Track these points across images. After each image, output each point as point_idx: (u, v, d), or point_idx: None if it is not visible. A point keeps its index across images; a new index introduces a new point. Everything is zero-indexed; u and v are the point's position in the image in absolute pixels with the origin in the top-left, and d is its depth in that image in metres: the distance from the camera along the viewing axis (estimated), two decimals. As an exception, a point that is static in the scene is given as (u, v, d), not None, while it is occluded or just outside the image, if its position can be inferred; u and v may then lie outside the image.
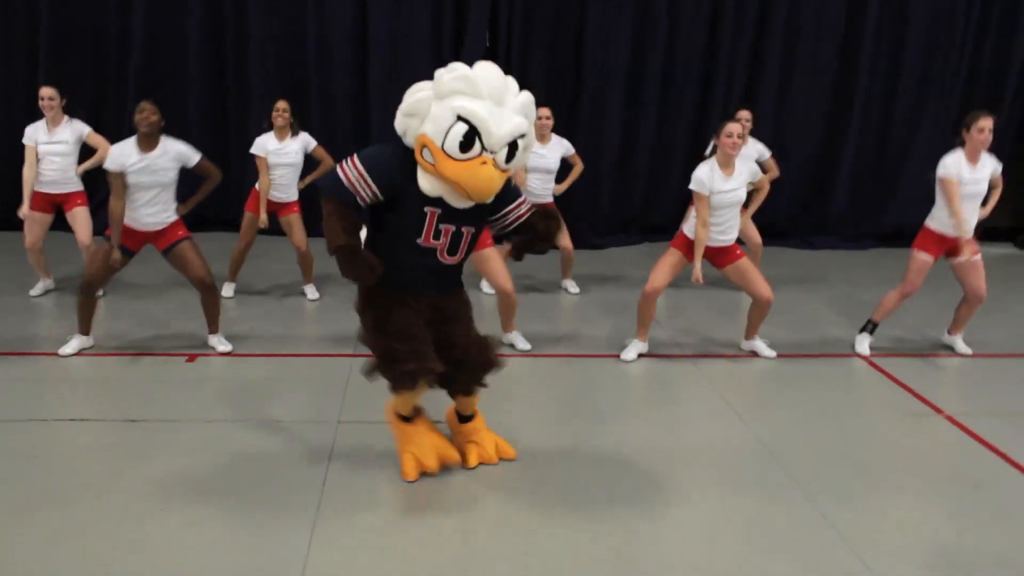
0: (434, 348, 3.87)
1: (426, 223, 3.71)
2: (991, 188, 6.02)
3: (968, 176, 5.75)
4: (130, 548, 3.49)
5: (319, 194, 3.72)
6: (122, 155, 5.32)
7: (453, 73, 3.56)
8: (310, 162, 6.99)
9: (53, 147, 6.45)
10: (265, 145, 6.67)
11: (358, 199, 3.64)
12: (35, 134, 6.46)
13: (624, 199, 9.98)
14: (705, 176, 5.56)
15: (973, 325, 6.45)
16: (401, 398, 4.01)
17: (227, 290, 7.04)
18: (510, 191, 3.96)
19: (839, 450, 4.67)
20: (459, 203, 3.69)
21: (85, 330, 5.69)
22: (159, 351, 5.75)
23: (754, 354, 6.12)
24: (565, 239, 7.18)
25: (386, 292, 3.81)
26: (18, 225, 6.72)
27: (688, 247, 5.76)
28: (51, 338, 5.86)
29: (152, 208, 5.46)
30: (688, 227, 5.79)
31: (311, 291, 7.20)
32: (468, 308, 4.14)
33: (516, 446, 4.45)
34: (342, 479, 4.12)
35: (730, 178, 5.62)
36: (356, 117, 9.47)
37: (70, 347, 5.63)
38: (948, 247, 5.97)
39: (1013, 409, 5.38)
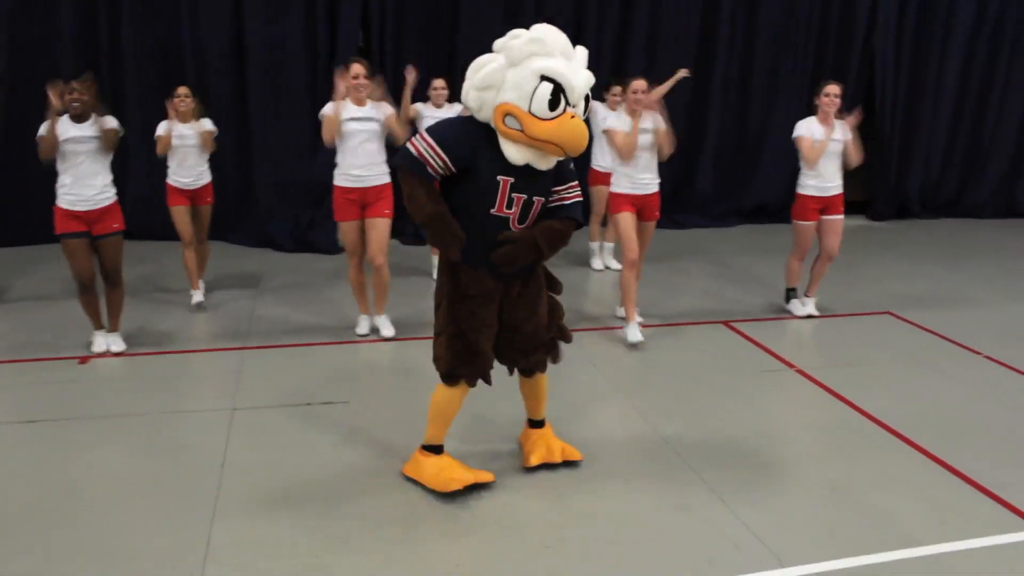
0: (500, 330, 3.96)
1: (499, 192, 3.71)
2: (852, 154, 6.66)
3: (821, 135, 6.47)
4: (34, 541, 3.65)
5: (396, 173, 3.87)
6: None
7: (521, 38, 3.58)
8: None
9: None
10: (170, 129, 6.64)
11: (428, 169, 3.66)
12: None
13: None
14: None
15: (826, 288, 7.06)
16: (447, 392, 4.01)
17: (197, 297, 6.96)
18: (568, 166, 3.97)
19: (704, 405, 5.14)
20: (545, 164, 3.71)
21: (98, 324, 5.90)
22: (50, 356, 5.81)
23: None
24: None
25: (466, 271, 3.81)
26: None
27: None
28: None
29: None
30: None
31: (197, 295, 6.97)
32: (541, 294, 4.07)
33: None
34: (240, 461, 4.33)
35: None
36: (236, 123, 9.53)
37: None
38: (822, 206, 6.67)
39: (852, 361, 6.00)
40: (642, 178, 6.18)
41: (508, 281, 3.90)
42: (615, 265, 8.32)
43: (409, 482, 4.12)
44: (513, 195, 3.73)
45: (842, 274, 7.31)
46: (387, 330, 6.23)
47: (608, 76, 8.06)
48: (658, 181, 6.31)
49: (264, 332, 6.32)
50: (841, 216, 6.76)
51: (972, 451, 4.59)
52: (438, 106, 7.58)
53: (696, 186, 10.95)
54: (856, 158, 6.65)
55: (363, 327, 6.31)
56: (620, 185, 6.22)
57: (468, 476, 4.03)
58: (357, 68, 5.86)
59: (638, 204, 6.22)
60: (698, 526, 3.80)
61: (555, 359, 4.27)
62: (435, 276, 7.93)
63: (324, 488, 4.07)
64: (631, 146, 6.02)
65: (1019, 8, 11.50)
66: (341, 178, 5.96)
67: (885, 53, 11.01)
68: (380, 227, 6.02)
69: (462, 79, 3.77)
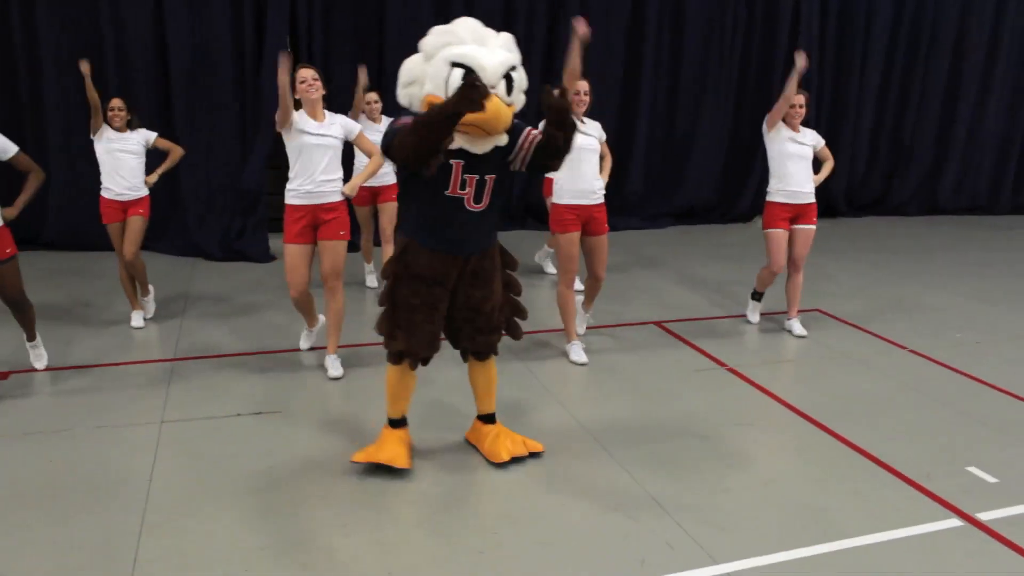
0: (457, 311, 4.15)
1: (452, 175, 3.88)
2: (823, 160, 6.64)
3: (788, 135, 6.39)
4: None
5: (384, 154, 3.87)
6: None
7: (433, 33, 3.80)
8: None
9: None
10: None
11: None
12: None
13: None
14: None
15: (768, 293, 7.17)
16: (395, 371, 4.23)
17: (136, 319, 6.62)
18: (516, 127, 4.01)
19: (637, 406, 5.18)
20: (480, 147, 3.85)
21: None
22: (-32, 373, 5.63)
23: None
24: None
25: (421, 251, 3.99)
26: None
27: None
28: None
29: None
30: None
31: (137, 318, 6.66)
32: (496, 271, 4.23)
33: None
34: (168, 472, 4.23)
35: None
36: (160, 126, 9.34)
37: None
38: (793, 214, 6.51)
39: (783, 358, 6.10)
40: (588, 188, 5.82)
41: (465, 259, 4.07)
42: (551, 270, 8.33)
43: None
44: (465, 176, 3.90)
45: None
46: (335, 370, 5.60)
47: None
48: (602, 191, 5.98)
49: (194, 344, 6.20)
50: (812, 226, 6.56)
51: (898, 443, 4.69)
52: (374, 120, 7.45)
53: (627, 188, 11.04)
54: (826, 168, 6.64)
55: (306, 342, 6.10)
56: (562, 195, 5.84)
57: (391, 456, 4.21)
58: (306, 72, 5.34)
59: (583, 216, 5.86)
60: (630, 526, 3.82)
61: (515, 335, 4.45)
62: (369, 283, 7.90)
63: (255, 498, 4.00)
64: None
65: (935, 9, 11.85)
66: (292, 196, 5.42)
67: (809, 55, 11.21)
68: (336, 249, 5.52)
69: (387, 73, 3.86)
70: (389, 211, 7.42)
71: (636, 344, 6.38)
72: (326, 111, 5.46)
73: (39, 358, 5.71)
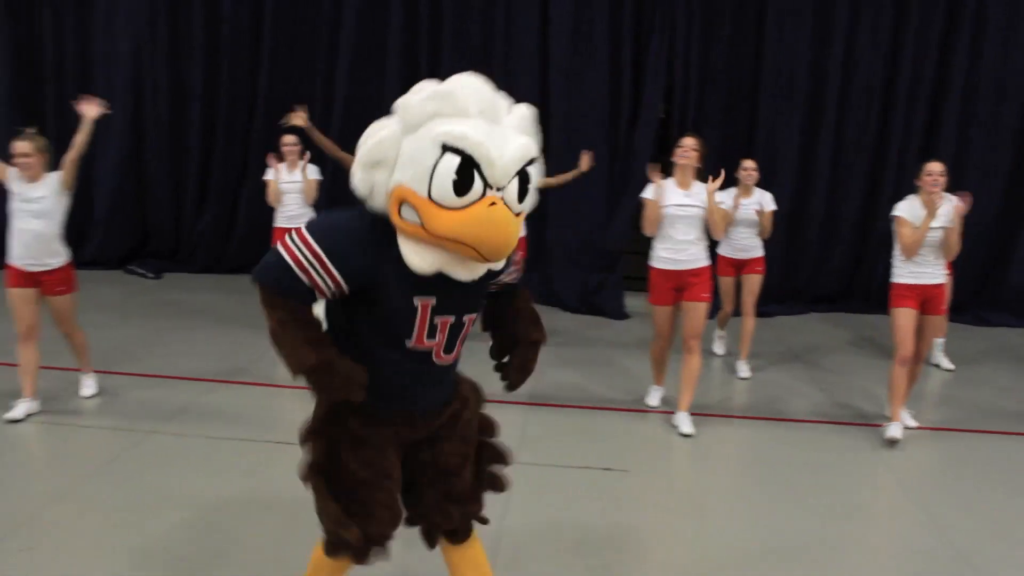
0: (427, 481, 2.87)
1: (417, 319, 2.56)
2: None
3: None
4: None
5: (254, 282, 2.51)
6: None
7: (421, 94, 2.43)
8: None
9: None
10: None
11: (316, 292, 2.48)
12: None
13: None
14: None
15: None
16: (328, 563, 2.86)
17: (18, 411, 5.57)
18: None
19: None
20: (467, 274, 2.53)
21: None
22: None
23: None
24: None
25: (357, 413, 2.67)
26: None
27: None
28: None
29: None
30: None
31: (89, 385, 6.08)
32: (467, 422, 2.92)
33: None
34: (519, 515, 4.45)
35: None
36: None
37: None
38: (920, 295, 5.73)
39: None
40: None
41: (423, 415, 2.79)
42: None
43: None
44: (437, 320, 2.59)
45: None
46: (686, 427, 5.74)
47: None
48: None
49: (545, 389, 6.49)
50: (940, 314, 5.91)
51: None
52: (292, 166, 7.41)
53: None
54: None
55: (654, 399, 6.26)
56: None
57: None
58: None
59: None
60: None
61: (498, 488, 3.09)
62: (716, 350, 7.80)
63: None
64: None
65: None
66: (659, 261, 5.74)
67: None
68: (699, 311, 5.74)
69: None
70: (752, 283, 7.24)
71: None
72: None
73: (86, 387, 6.01)
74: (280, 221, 7.53)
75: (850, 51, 9.59)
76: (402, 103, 2.45)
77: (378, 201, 2.48)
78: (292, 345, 2.47)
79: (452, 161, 2.33)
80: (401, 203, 2.41)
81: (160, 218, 11.03)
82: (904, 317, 5.68)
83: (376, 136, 2.45)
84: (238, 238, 10.71)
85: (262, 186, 7.70)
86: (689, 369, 5.79)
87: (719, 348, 7.76)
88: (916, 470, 5.40)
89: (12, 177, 5.42)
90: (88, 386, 6.01)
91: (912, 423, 5.97)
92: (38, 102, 10.75)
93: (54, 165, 5.53)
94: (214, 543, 4.04)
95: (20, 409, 5.52)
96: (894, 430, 5.64)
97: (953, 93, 9.52)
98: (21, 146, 5.35)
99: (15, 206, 5.40)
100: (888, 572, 4.14)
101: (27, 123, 5.77)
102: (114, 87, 10.45)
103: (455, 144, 2.33)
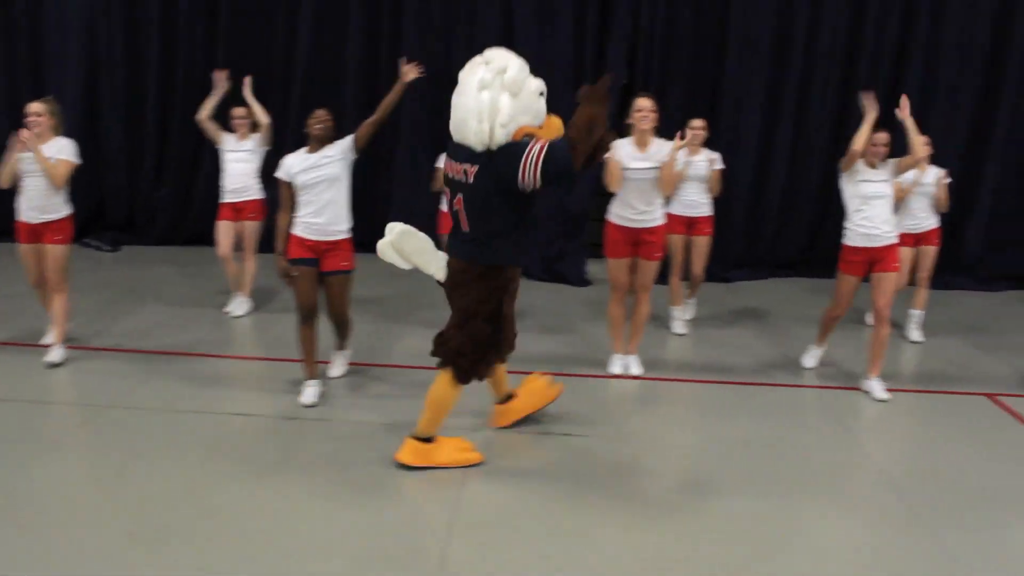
0: (506, 323, 4.54)
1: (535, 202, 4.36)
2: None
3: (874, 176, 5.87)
4: None
5: (562, 176, 4.03)
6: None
7: (513, 68, 4.11)
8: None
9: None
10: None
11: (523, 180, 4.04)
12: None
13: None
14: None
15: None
16: (455, 391, 4.49)
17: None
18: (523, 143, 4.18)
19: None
20: None
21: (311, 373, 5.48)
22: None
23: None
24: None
25: (515, 271, 4.44)
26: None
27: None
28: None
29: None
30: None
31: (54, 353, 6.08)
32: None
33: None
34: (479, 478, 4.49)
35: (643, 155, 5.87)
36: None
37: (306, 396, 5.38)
38: (869, 258, 5.91)
39: None
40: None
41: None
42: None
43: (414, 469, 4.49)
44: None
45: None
46: (635, 368, 6.31)
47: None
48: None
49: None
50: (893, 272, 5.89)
51: None
52: (242, 137, 7.47)
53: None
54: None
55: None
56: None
57: (458, 458, 4.61)
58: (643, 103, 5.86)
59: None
60: None
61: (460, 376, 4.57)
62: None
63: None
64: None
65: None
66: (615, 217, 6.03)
67: None
68: (651, 268, 6.11)
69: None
70: (700, 247, 7.36)
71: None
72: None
73: (337, 367, 5.99)
74: (227, 196, 7.46)
75: (816, 13, 9.59)
76: (493, 79, 4.08)
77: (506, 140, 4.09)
78: (588, 127, 3.93)
79: (543, 99, 4.26)
80: (524, 135, 4.09)
81: (116, 188, 10.81)
82: (846, 283, 6.05)
83: (500, 105, 4.05)
84: (196, 210, 10.52)
85: (218, 157, 7.58)
86: (638, 314, 6.23)
87: (680, 328, 7.55)
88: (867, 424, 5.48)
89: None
90: (55, 354, 6.01)
91: (884, 395, 5.92)
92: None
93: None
94: (174, 518, 4.01)
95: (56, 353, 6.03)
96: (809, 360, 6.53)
97: (915, 55, 9.57)
98: (35, 106, 5.82)
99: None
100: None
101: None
102: (67, 58, 10.26)
103: (543, 90, 4.24)
